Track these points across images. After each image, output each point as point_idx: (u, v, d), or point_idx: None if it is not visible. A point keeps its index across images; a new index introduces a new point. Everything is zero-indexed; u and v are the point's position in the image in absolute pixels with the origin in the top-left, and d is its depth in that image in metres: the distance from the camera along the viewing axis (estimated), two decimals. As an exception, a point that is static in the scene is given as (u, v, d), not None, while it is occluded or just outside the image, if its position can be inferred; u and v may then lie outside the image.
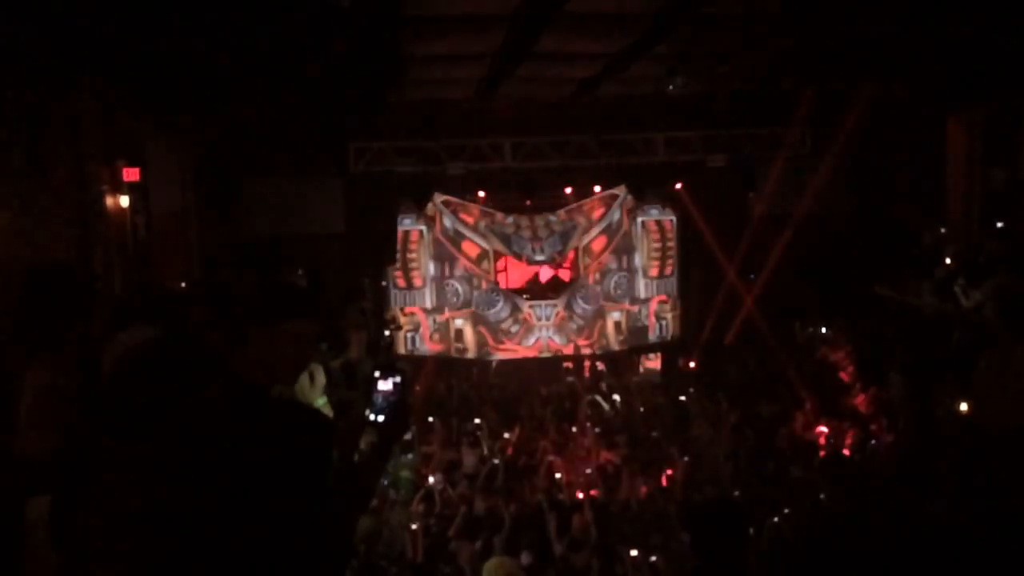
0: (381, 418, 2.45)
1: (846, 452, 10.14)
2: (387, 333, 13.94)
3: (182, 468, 1.97)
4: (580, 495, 8.80)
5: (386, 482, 8.80)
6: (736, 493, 8.89)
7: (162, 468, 1.97)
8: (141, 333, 2.59)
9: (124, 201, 9.95)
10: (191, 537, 1.91)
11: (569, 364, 15.04)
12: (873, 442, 10.28)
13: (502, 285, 15.28)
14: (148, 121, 10.87)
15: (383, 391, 2.49)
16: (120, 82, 9.22)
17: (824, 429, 10.84)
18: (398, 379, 2.53)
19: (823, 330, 14.11)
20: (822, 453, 10.15)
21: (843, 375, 12.83)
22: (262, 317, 2.32)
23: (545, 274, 15.57)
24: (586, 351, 15.25)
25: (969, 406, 9.71)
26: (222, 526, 1.94)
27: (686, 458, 10.02)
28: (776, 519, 7.84)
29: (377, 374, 2.51)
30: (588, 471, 9.70)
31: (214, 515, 1.95)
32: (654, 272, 15.37)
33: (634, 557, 7.08)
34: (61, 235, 8.51)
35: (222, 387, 2.21)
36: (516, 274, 15.47)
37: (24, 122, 7.87)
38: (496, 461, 9.58)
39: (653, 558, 7.23)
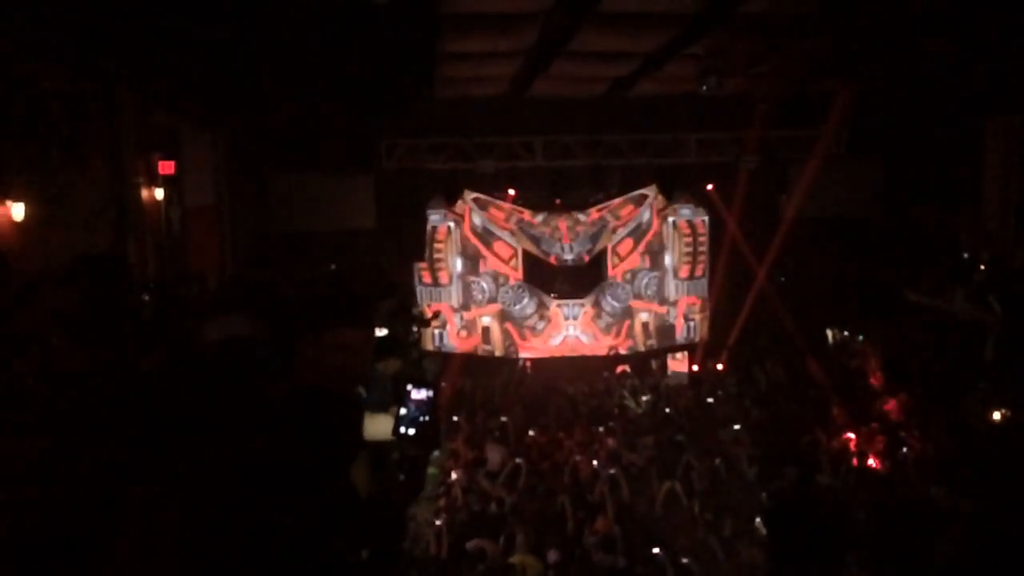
0: (412, 431, 2.42)
1: (874, 461, 10.02)
2: (415, 330, 13.97)
3: (221, 471, 1.96)
4: (604, 495, 8.78)
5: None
6: (763, 495, 8.83)
7: (203, 468, 1.96)
8: (232, 326, 2.50)
9: (159, 194, 10.08)
10: (228, 543, 1.90)
11: (597, 364, 15.00)
12: (904, 449, 10.15)
13: (530, 284, 15.26)
14: (184, 115, 10.99)
15: (416, 400, 2.46)
16: (157, 77, 9.34)
17: (852, 436, 10.72)
18: (431, 392, 2.50)
19: (854, 335, 13.95)
20: (855, 461, 10.03)
21: (873, 381, 12.68)
22: (305, 326, 2.31)
23: (574, 276, 15.52)
24: (613, 351, 15.20)
25: (1002, 415, 9.59)
26: (255, 534, 1.93)
27: (717, 461, 9.96)
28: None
29: (410, 386, 2.48)
30: (613, 472, 9.67)
31: (248, 525, 1.93)
32: (684, 273, 15.27)
33: (656, 554, 7.06)
34: (97, 227, 8.64)
35: (280, 392, 2.19)
36: (545, 274, 15.42)
37: (63, 116, 8.00)
38: (519, 460, 9.58)
39: (685, 560, 7.20)
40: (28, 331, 2.58)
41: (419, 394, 2.45)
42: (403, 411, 2.44)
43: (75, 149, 8.22)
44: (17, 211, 7.25)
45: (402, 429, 2.41)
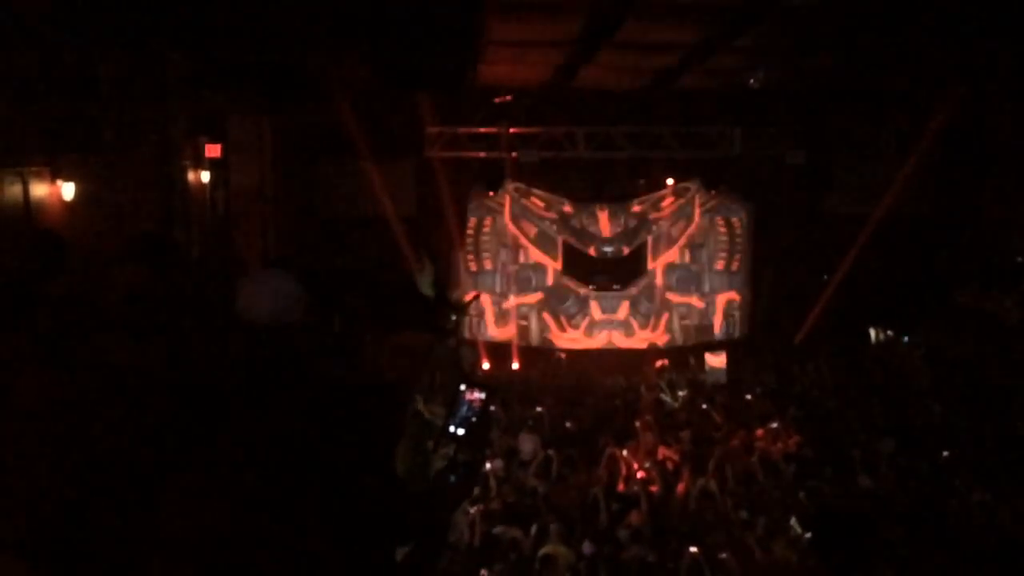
0: (462, 431, 2.39)
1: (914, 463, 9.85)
2: (453, 317, 14.03)
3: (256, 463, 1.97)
4: (638, 489, 8.74)
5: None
6: (801, 495, 8.73)
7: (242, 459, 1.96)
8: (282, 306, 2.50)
9: (205, 176, 10.22)
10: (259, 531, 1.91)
11: (634, 357, 14.93)
12: (946, 453, 9.96)
13: (569, 275, 15.24)
14: (231, 99, 11.12)
15: (471, 400, 2.43)
16: (206, 60, 9.46)
17: (890, 439, 10.54)
18: (483, 395, 2.46)
19: (899, 335, 13.72)
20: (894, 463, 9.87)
21: (917, 382, 12.46)
22: (369, 327, 2.30)
23: (614, 268, 15.46)
24: (651, 345, 15.12)
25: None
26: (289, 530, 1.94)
27: (753, 458, 9.86)
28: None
29: (463, 386, 2.45)
30: (648, 466, 9.62)
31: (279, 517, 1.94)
32: (720, 266, 15.14)
33: (694, 554, 7.00)
34: (144, 208, 8.79)
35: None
36: (584, 264, 15.39)
37: (114, 98, 8.13)
38: (551, 452, 9.57)
39: (723, 555, 7.14)
40: (107, 307, 2.61)
41: (472, 395, 2.43)
42: (455, 411, 2.41)
43: (125, 131, 8.36)
44: (68, 191, 7.40)
45: (451, 428, 2.39)
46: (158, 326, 2.15)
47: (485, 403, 2.40)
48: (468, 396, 2.41)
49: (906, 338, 13.54)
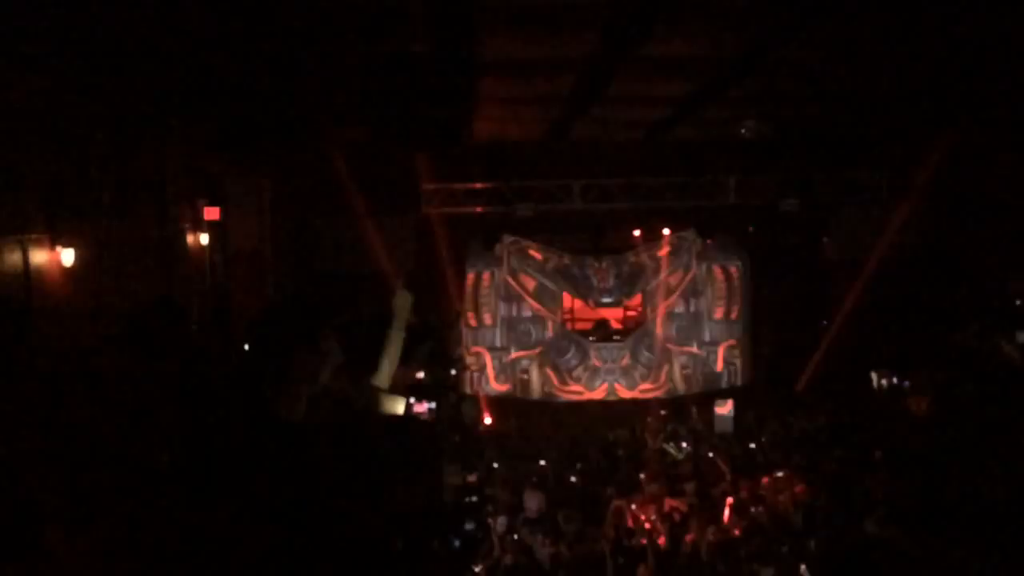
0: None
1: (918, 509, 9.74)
2: (452, 372, 13.99)
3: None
4: (645, 542, 8.63)
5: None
6: (811, 544, 8.62)
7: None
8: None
9: (204, 239, 10.27)
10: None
11: (636, 408, 14.86)
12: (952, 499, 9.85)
13: (569, 327, 15.24)
14: (229, 162, 11.23)
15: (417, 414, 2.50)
16: (204, 124, 9.57)
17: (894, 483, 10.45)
18: (432, 406, 2.53)
19: (900, 380, 13.66)
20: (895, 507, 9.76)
21: (921, 426, 12.37)
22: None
23: (613, 318, 15.50)
24: (653, 395, 15.05)
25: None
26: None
27: (760, 508, 9.76)
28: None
29: (412, 400, 2.50)
30: (653, 518, 9.51)
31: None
32: (719, 315, 15.14)
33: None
34: (143, 272, 8.81)
35: None
36: (583, 316, 15.42)
37: (113, 163, 8.21)
38: (556, 508, 9.46)
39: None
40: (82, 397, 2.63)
41: (420, 407, 2.48)
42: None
43: (124, 196, 8.43)
44: (67, 256, 7.43)
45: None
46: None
47: (438, 407, 2.48)
48: (417, 407, 2.47)
49: (907, 382, 13.49)
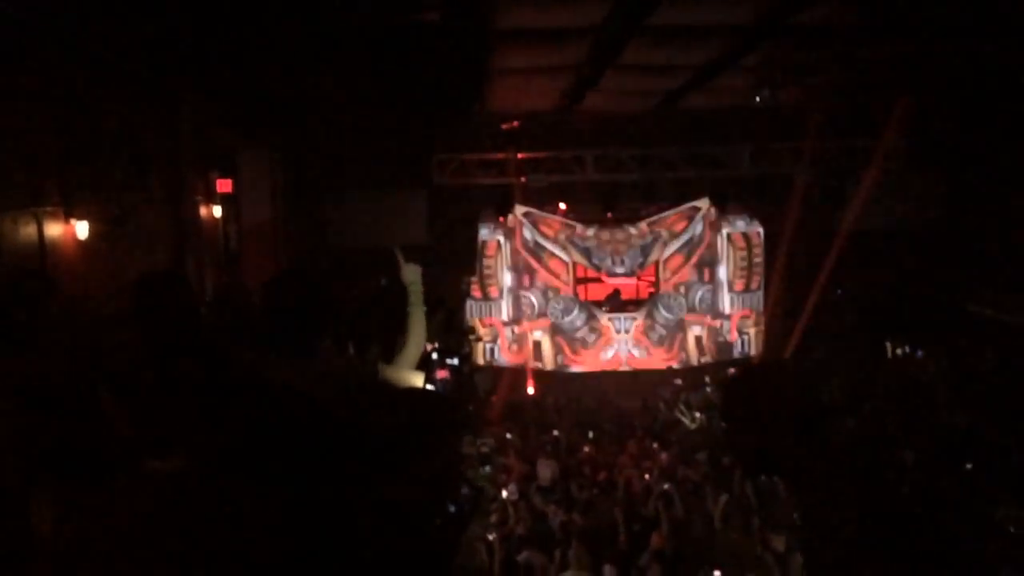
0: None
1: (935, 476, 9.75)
2: (466, 343, 14.02)
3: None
4: (658, 511, 8.67)
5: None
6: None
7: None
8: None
9: (217, 211, 10.29)
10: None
11: (650, 378, 14.88)
12: (969, 465, 9.85)
13: (581, 298, 15.22)
14: (241, 134, 11.22)
15: (440, 379, 2.50)
16: (217, 97, 9.55)
17: (909, 452, 10.45)
18: (455, 361, 2.53)
19: (915, 349, 13.63)
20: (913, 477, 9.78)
21: (936, 396, 12.36)
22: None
23: (626, 289, 15.45)
24: (666, 365, 15.05)
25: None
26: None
27: (775, 477, 9.78)
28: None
29: (435, 356, 2.51)
30: (667, 487, 9.56)
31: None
32: (740, 286, 15.06)
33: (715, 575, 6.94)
34: (157, 244, 8.85)
35: None
36: (596, 287, 15.39)
37: (126, 136, 8.21)
38: (570, 475, 9.53)
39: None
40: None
41: (443, 371, 2.49)
42: (430, 379, 2.48)
43: (137, 168, 8.44)
44: (81, 229, 7.46)
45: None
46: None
47: (458, 371, 2.47)
48: (440, 372, 2.47)
49: (920, 351, 13.46)
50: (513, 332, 15.16)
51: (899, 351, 14.02)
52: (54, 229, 7.23)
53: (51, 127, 7.12)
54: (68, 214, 7.35)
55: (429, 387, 2.50)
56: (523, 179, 14.24)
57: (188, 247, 9.50)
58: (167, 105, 9.07)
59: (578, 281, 15.22)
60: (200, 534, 1.68)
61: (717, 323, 15.18)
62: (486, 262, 14.85)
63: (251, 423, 1.85)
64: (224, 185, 10.31)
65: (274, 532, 1.72)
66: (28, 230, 6.92)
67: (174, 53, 7.78)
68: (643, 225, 15.15)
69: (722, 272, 15.08)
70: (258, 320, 2.34)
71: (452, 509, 2.35)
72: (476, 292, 15.06)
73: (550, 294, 15.10)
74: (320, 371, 2.34)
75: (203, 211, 10.09)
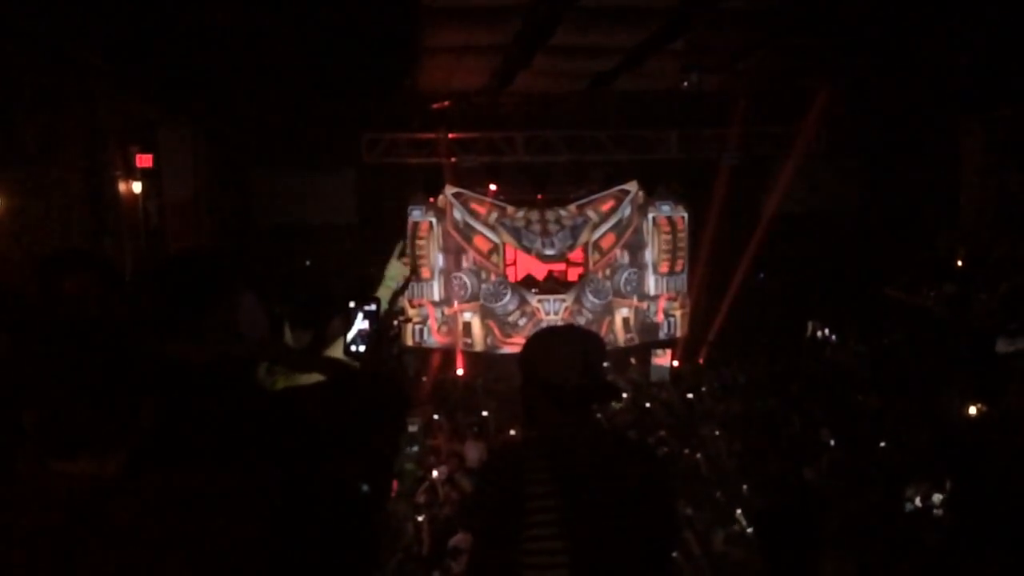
0: (363, 348, 2.46)
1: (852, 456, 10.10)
2: (395, 324, 13.93)
3: None
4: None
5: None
6: (744, 488, 8.89)
7: None
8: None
9: (137, 187, 9.98)
10: None
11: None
12: (882, 444, 10.23)
13: (511, 279, 15.26)
14: (161, 108, 10.88)
15: (360, 330, 2.50)
16: (133, 68, 9.23)
17: (827, 431, 10.80)
18: (372, 307, 2.52)
19: (833, 331, 14.06)
20: (830, 456, 10.11)
21: (851, 377, 12.78)
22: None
23: (556, 270, 15.55)
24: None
25: (978, 410, 9.70)
26: None
27: (698, 455, 10.01)
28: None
29: (352, 304, 2.49)
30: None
31: None
32: (664, 268, 15.31)
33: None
34: (73, 221, 8.54)
35: None
36: (526, 269, 15.43)
37: (39, 107, 7.89)
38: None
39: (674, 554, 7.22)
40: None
41: (362, 322, 2.48)
42: (350, 331, 2.48)
43: (51, 141, 8.12)
44: (-8, 204, 7.16)
45: (353, 348, 2.46)
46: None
47: (375, 315, 2.47)
48: (359, 323, 2.47)
49: (837, 334, 13.90)
50: (443, 313, 15.12)
51: (819, 333, 14.44)
52: (-39, 203, 6.92)
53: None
54: (-24, 188, 7.05)
55: (354, 348, 2.47)
56: (453, 159, 14.16)
57: (107, 224, 9.19)
58: (83, 76, 8.73)
59: (508, 263, 15.25)
60: (121, 542, 1.58)
61: (644, 305, 15.40)
62: (418, 243, 14.76)
63: (174, 414, 1.79)
64: (144, 160, 9.98)
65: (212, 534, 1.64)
66: (-67, 204, 6.61)
67: (90, 23, 7.48)
68: (572, 207, 15.25)
69: (647, 255, 15.29)
70: (163, 304, 2.24)
71: (365, 488, 2.34)
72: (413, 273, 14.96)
73: (480, 276, 15.10)
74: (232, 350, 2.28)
75: (122, 187, 9.77)
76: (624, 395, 12.80)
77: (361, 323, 2.46)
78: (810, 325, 14.50)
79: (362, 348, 2.44)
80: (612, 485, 2.37)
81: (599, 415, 11.66)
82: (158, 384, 1.74)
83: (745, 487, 8.98)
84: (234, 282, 2.33)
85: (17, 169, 7.57)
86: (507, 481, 2.43)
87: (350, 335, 2.45)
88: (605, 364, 2.63)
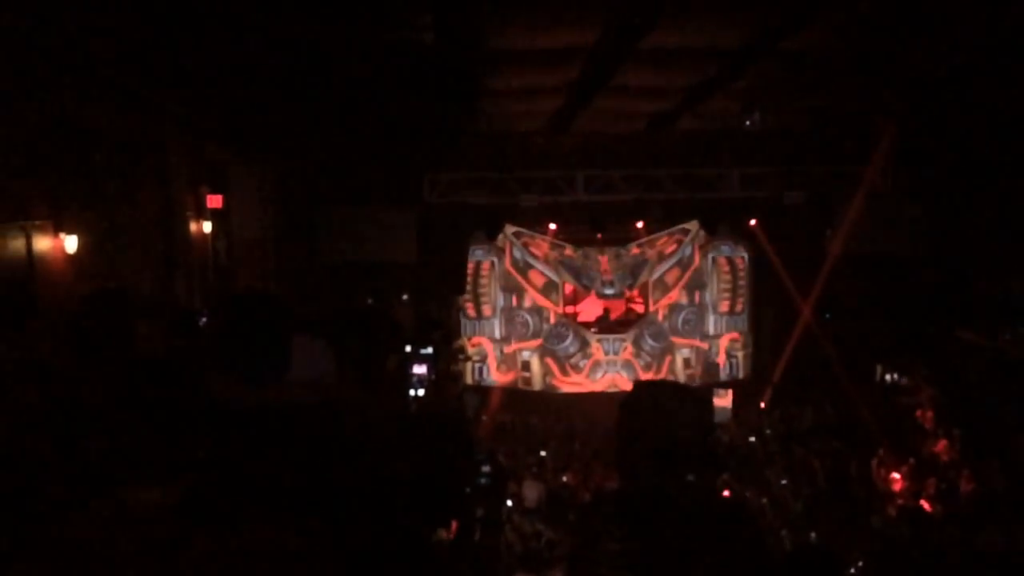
0: (421, 392, 2.46)
1: (924, 503, 9.76)
2: (456, 364, 14.00)
3: None
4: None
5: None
6: (812, 536, 8.64)
7: None
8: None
9: (207, 227, 10.26)
10: None
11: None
12: (955, 491, 9.87)
13: (570, 318, 15.24)
14: (232, 149, 11.21)
15: (417, 374, 2.50)
16: (206, 112, 9.55)
17: (897, 476, 10.47)
18: (430, 350, 2.53)
19: (904, 374, 13.67)
20: (900, 501, 9.79)
21: (923, 421, 12.39)
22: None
23: (615, 310, 15.49)
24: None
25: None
26: None
27: (764, 500, 9.78)
28: (855, 569, 7.59)
29: (409, 348, 2.50)
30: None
31: None
32: (724, 308, 15.14)
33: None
34: (146, 260, 8.81)
35: None
36: (586, 308, 15.42)
37: (116, 151, 8.20)
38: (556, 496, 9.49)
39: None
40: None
41: (420, 368, 2.50)
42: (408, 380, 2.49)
43: (127, 183, 8.42)
44: (70, 243, 7.42)
45: (412, 392, 2.48)
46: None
47: (432, 359, 2.49)
48: (417, 368, 2.48)
49: (906, 377, 13.50)
50: (502, 352, 15.15)
51: (888, 377, 14.05)
52: (43, 243, 7.19)
53: (41, 140, 7.10)
54: (57, 228, 7.32)
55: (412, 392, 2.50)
56: (514, 199, 14.28)
57: (178, 263, 9.46)
58: (158, 120, 9.06)
59: (567, 302, 15.25)
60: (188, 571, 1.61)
61: (705, 345, 15.23)
62: (480, 282, 14.87)
63: (240, 449, 1.81)
64: (214, 200, 10.28)
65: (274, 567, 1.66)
66: (16, 244, 6.88)
67: (166, 68, 7.78)
68: (633, 247, 15.22)
69: (708, 295, 15.15)
70: (215, 344, 2.26)
71: (482, 481, 2.36)
72: (471, 311, 15.06)
73: (542, 315, 15.13)
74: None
75: (193, 227, 10.06)
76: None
77: (419, 367, 2.48)
78: (879, 368, 14.12)
79: (421, 392, 2.45)
80: (697, 558, 2.29)
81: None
82: (213, 422, 1.77)
83: (813, 534, 8.73)
84: (287, 322, 2.33)
85: (95, 210, 7.86)
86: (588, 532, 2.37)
87: (411, 379, 2.47)
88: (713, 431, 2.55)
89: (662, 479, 2.40)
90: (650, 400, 2.53)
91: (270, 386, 2.14)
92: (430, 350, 2.52)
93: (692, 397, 2.55)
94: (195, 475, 1.73)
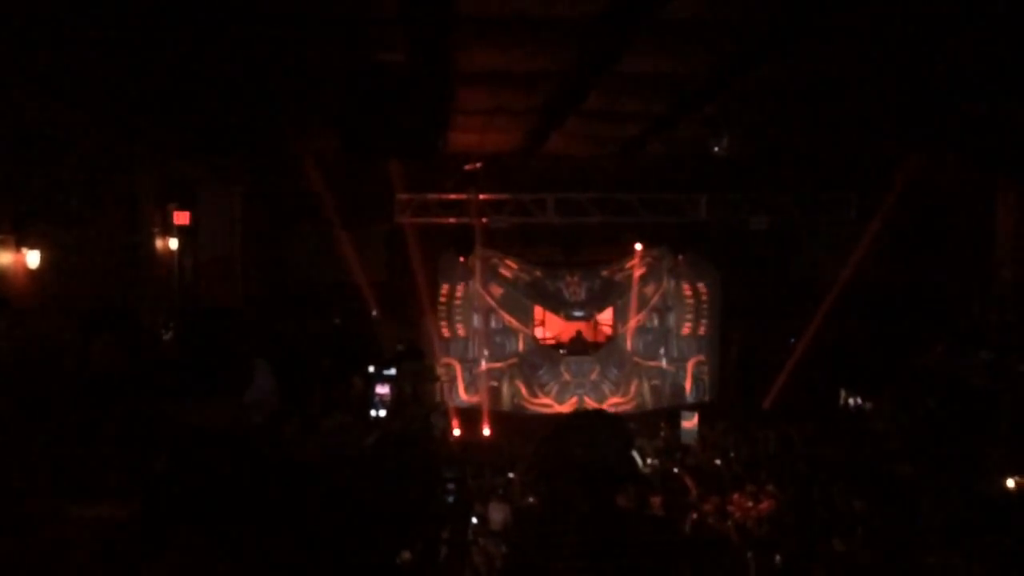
0: (383, 413, 2.48)
1: (886, 526, 9.84)
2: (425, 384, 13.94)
3: None
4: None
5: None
6: (777, 559, 8.68)
7: None
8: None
9: (173, 243, 10.18)
10: None
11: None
12: (918, 515, 9.97)
13: (539, 339, 15.27)
14: (200, 167, 11.15)
15: (380, 394, 2.54)
16: (175, 129, 9.50)
17: (859, 500, 10.56)
18: (392, 371, 2.56)
19: (866, 398, 13.83)
20: (861, 525, 9.87)
21: (886, 445, 12.52)
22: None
23: (584, 332, 15.55)
24: (622, 409, 15.09)
25: (1016, 483, 9.46)
26: None
27: (728, 522, 9.82)
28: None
29: (372, 369, 2.53)
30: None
31: None
32: (686, 331, 15.26)
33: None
34: (111, 275, 8.71)
35: None
36: (554, 330, 15.46)
37: (82, 166, 8.13)
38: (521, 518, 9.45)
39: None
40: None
41: (383, 388, 2.53)
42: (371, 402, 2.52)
43: (93, 199, 8.34)
44: (32, 259, 7.33)
45: (372, 413, 2.50)
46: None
47: (395, 380, 2.51)
48: (379, 388, 2.51)
49: (870, 402, 13.66)
50: (472, 372, 15.13)
51: (851, 401, 14.21)
52: (4, 257, 7.10)
53: (4, 156, 7.02)
54: (19, 243, 7.23)
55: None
56: (484, 220, 14.31)
57: (143, 279, 9.37)
58: (126, 137, 9.00)
59: (537, 324, 15.28)
60: None
61: (672, 368, 15.32)
62: (452, 303, 14.87)
63: (195, 468, 1.80)
64: (182, 217, 10.21)
65: None
66: (-23, 258, 6.79)
67: (134, 87, 7.74)
68: (602, 269, 15.30)
69: (672, 318, 15.27)
70: (177, 360, 2.24)
71: (449, 499, 2.38)
72: (445, 332, 15.04)
73: (511, 336, 15.14)
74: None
75: (159, 243, 9.98)
76: (649, 460, 12.66)
77: (381, 388, 2.49)
78: (842, 392, 14.28)
79: (382, 413, 2.46)
80: (633, 563, 2.39)
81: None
82: (170, 439, 1.77)
83: (778, 557, 8.77)
84: (249, 340, 2.34)
85: (59, 225, 7.77)
86: (532, 551, 2.46)
87: (372, 406, 2.47)
88: (634, 451, 2.70)
89: (586, 498, 2.54)
90: (570, 427, 2.69)
91: (226, 404, 2.13)
92: (393, 371, 2.52)
93: (609, 422, 2.72)
94: (147, 492, 1.72)
